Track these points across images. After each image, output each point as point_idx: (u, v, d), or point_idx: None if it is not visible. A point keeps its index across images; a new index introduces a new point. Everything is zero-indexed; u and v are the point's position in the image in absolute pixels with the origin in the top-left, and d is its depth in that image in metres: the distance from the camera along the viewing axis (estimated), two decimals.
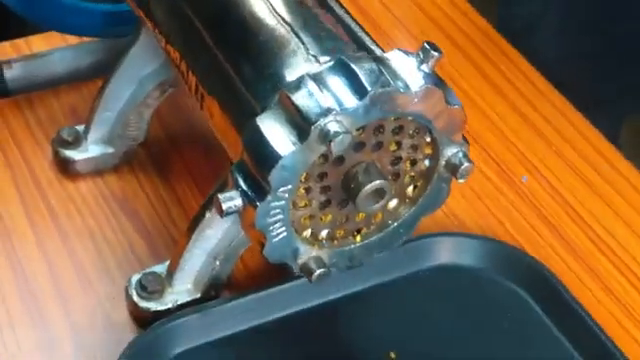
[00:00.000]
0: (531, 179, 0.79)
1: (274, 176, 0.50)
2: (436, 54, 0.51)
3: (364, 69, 0.50)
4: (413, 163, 0.55)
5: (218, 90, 0.57)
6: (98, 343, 0.65)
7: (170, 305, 0.65)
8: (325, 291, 0.67)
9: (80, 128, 0.76)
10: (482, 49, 0.91)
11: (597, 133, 0.84)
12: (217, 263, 0.65)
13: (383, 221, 0.56)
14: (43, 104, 0.81)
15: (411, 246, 0.68)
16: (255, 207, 0.51)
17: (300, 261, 0.54)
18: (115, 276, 0.69)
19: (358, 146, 0.52)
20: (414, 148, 0.54)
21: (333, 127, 0.48)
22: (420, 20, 0.95)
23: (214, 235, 0.64)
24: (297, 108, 0.50)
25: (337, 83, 0.50)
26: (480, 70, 0.89)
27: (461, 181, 0.55)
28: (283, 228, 0.52)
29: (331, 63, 0.51)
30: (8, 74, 0.78)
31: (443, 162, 0.55)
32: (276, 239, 0.53)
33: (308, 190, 0.52)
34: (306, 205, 0.53)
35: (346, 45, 0.54)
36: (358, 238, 0.56)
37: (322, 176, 0.52)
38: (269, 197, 0.50)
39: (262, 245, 0.53)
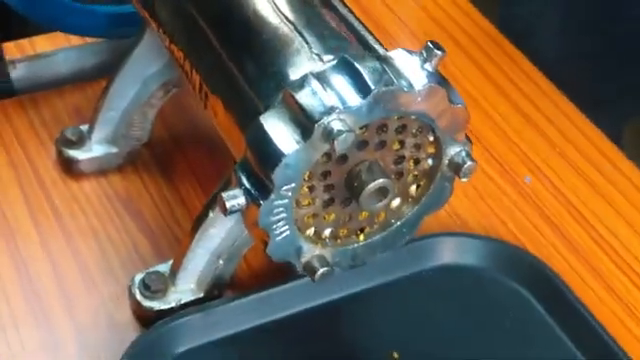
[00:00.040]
0: (534, 179, 0.79)
1: (277, 174, 0.50)
2: (439, 53, 0.51)
3: (367, 68, 0.50)
4: (416, 162, 0.55)
5: (222, 89, 0.57)
6: (102, 342, 0.65)
7: (173, 304, 0.65)
8: (328, 291, 0.67)
9: (84, 128, 0.76)
10: (485, 50, 0.91)
11: (599, 133, 0.84)
12: (220, 262, 0.65)
13: (386, 220, 0.56)
14: (47, 104, 0.81)
15: (414, 246, 0.68)
16: (258, 205, 0.51)
17: (303, 260, 0.54)
18: (119, 276, 0.69)
19: (361, 145, 0.52)
20: (417, 147, 0.54)
21: (336, 125, 0.48)
22: (423, 20, 0.95)
23: (217, 234, 0.64)
24: (301, 107, 0.50)
25: (341, 82, 0.50)
26: (483, 70, 0.89)
27: (464, 180, 0.55)
28: (286, 227, 0.52)
29: (334, 62, 0.51)
30: (13, 74, 0.79)
31: (446, 161, 0.55)
32: (279, 237, 0.53)
33: (311, 188, 0.52)
34: (309, 203, 0.53)
35: (349, 44, 0.54)
36: (361, 237, 0.56)
37: (325, 174, 0.52)
38: (272, 195, 0.50)
39: (265, 244, 0.53)
